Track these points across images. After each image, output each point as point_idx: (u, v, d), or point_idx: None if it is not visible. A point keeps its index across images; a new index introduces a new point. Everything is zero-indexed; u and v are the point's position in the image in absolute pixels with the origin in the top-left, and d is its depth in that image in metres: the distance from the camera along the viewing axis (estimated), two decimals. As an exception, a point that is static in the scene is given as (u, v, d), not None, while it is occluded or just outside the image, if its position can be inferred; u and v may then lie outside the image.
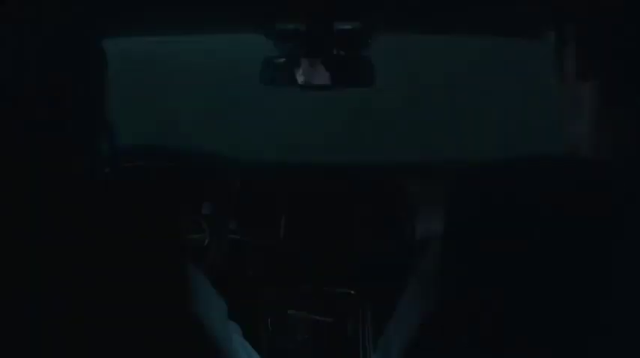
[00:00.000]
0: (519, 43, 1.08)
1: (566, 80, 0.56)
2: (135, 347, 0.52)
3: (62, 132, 0.56)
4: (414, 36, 1.19)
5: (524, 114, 2.08)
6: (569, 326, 0.50)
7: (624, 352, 0.50)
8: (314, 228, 1.41)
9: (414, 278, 0.62)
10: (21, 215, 0.52)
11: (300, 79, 1.11)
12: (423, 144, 2.17)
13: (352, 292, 1.20)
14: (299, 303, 1.31)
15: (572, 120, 0.57)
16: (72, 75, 0.55)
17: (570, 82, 0.55)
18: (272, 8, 0.91)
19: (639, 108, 0.53)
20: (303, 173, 1.50)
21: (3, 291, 0.51)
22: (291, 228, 1.41)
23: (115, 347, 0.51)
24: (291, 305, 1.28)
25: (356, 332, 1.27)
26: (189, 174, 1.43)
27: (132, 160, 1.39)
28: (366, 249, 1.39)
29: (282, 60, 1.11)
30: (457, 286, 0.53)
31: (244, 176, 1.45)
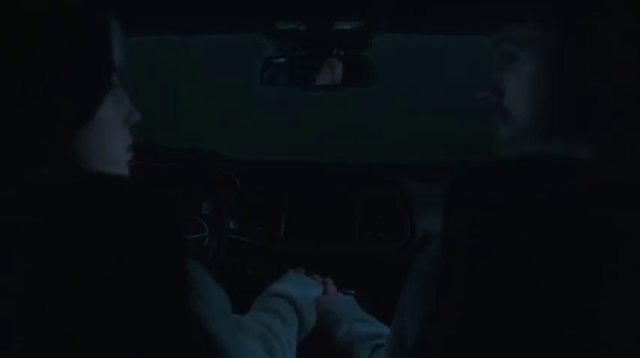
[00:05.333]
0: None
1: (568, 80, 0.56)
2: (135, 342, 0.52)
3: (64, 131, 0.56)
4: (414, 36, 1.19)
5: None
6: (570, 325, 0.50)
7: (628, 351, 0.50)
8: (314, 228, 1.41)
9: (414, 278, 0.62)
10: (21, 212, 0.52)
11: (300, 79, 1.11)
12: (424, 144, 2.17)
13: (352, 292, 1.20)
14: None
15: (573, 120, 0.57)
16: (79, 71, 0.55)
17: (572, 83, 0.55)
18: (272, 8, 0.91)
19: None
20: (304, 173, 1.50)
21: (5, 289, 0.51)
22: (291, 227, 1.41)
23: (118, 340, 0.51)
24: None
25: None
26: (189, 173, 1.43)
27: (132, 160, 1.39)
28: (366, 249, 1.39)
29: (282, 60, 1.11)
30: (457, 286, 0.53)
31: (244, 176, 1.45)
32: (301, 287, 1.06)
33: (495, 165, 0.56)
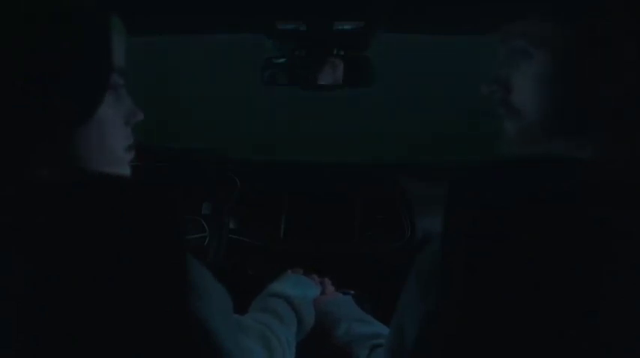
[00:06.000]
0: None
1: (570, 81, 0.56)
2: (135, 342, 0.52)
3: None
4: (414, 36, 1.19)
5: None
6: (570, 325, 0.50)
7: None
8: (314, 228, 1.41)
9: (414, 278, 0.62)
10: (21, 212, 0.52)
11: (300, 79, 1.11)
12: (424, 144, 2.17)
13: (352, 292, 1.20)
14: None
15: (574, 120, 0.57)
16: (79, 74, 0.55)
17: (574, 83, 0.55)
18: (272, 8, 0.91)
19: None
20: (304, 173, 1.50)
21: (5, 289, 0.51)
22: (291, 227, 1.41)
23: (118, 340, 0.51)
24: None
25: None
26: (189, 173, 1.43)
27: (132, 160, 1.39)
28: (366, 249, 1.39)
29: (283, 60, 1.11)
30: (457, 286, 0.53)
31: (244, 176, 1.45)
32: (299, 288, 1.06)
33: (495, 165, 0.56)
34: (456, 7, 0.92)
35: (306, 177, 1.48)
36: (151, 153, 1.44)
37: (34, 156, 0.55)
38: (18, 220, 0.51)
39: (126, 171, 0.64)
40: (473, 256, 0.52)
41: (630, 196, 0.50)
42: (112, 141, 0.60)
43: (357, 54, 1.10)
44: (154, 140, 1.49)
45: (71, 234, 0.51)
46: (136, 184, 0.56)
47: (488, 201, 0.52)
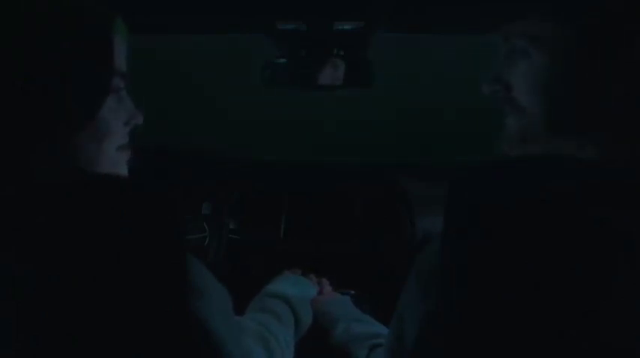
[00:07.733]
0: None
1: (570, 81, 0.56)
2: (135, 342, 0.52)
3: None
4: (414, 35, 1.19)
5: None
6: (570, 325, 0.50)
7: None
8: (314, 228, 1.41)
9: (414, 278, 0.62)
10: (21, 212, 0.52)
11: (300, 79, 1.11)
12: (424, 144, 2.17)
13: (352, 292, 1.20)
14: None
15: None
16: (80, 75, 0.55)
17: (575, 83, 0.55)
18: (272, 8, 0.91)
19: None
20: (304, 173, 1.50)
21: (5, 289, 0.51)
22: (291, 227, 1.41)
23: (118, 340, 0.51)
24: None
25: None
26: (190, 173, 1.43)
27: (132, 159, 1.39)
28: (366, 249, 1.39)
29: (283, 60, 1.11)
30: (457, 286, 0.53)
31: (244, 176, 1.45)
32: (297, 288, 1.06)
33: (495, 165, 0.56)
34: (456, 7, 0.92)
35: (306, 177, 1.48)
36: (151, 153, 1.44)
37: (34, 156, 0.55)
38: (18, 220, 0.51)
39: (124, 171, 0.64)
40: (473, 256, 0.52)
41: (630, 196, 0.50)
42: (112, 142, 0.60)
43: (357, 54, 1.10)
44: (153, 140, 1.49)
45: (71, 235, 0.51)
46: (136, 184, 0.56)
47: (488, 201, 0.52)
